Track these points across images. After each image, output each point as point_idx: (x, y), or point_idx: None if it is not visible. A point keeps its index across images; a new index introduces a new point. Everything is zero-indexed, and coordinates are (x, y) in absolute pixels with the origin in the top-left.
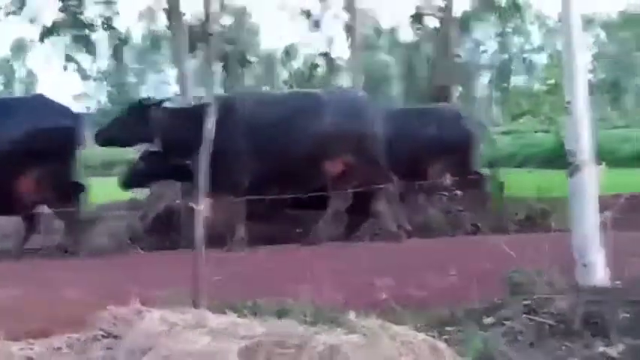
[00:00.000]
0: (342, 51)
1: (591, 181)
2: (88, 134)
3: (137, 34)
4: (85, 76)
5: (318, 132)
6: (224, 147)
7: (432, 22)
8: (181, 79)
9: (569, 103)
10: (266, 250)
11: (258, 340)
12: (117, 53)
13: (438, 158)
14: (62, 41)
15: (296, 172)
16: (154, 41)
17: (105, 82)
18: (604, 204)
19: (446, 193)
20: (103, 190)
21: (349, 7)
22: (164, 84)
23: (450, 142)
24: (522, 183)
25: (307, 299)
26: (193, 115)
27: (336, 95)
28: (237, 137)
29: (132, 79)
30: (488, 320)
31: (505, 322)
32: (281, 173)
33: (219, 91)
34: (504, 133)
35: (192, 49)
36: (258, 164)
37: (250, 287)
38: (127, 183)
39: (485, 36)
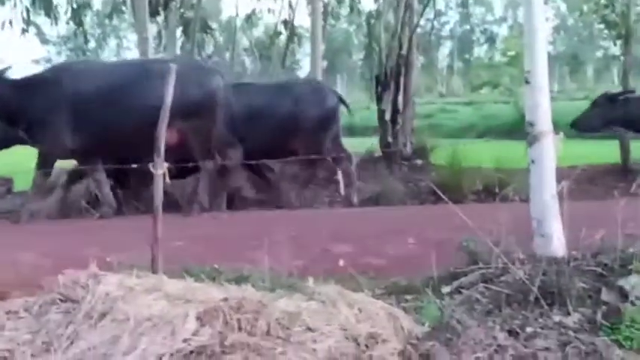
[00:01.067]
0: (303, 19)
1: (550, 151)
2: None
3: None
4: (44, 40)
5: (148, 101)
6: (47, 117)
7: None
8: (142, 45)
9: (528, 72)
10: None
11: (216, 305)
12: (77, 17)
13: (295, 134)
14: (22, 4)
15: (126, 142)
16: (114, 6)
17: (64, 47)
18: (561, 175)
19: (405, 163)
20: None
21: None
22: (125, 49)
23: (308, 118)
24: (481, 153)
25: (265, 265)
26: (20, 86)
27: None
28: (60, 107)
29: (92, 43)
30: (445, 289)
31: (462, 290)
32: (110, 144)
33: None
34: (465, 104)
35: (153, 14)
36: (85, 134)
37: (209, 252)
38: None
39: (447, 6)
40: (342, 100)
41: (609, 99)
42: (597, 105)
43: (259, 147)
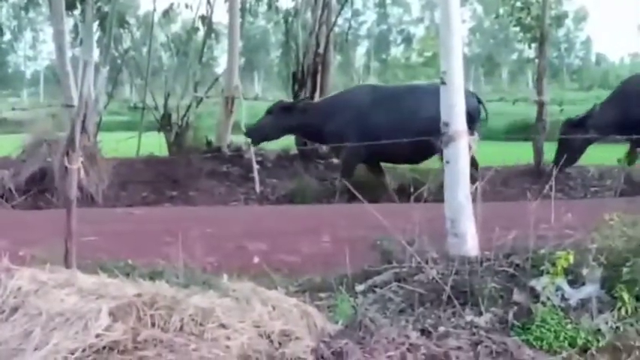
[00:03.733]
0: (221, 16)
1: (465, 151)
2: None
3: None
4: None
5: None
6: None
7: None
8: (58, 38)
9: (444, 73)
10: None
11: (129, 301)
12: None
13: None
14: None
15: None
16: None
17: None
18: (475, 175)
19: (321, 161)
20: None
21: None
22: (41, 42)
23: None
24: None
25: (180, 261)
26: None
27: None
28: None
29: (7, 36)
30: (359, 287)
31: (376, 289)
32: None
33: (95, 51)
34: None
35: (70, 7)
36: None
37: (123, 248)
38: None
39: (365, 6)
40: None
41: (284, 107)
42: (271, 113)
43: None
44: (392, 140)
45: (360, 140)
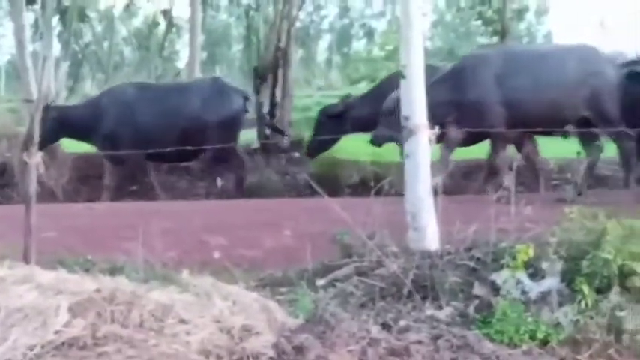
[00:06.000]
0: (183, 10)
1: (425, 145)
2: None
3: None
4: None
5: None
6: None
7: None
8: (18, 33)
9: (404, 66)
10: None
11: (89, 297)
12: None
13: None
14: None
15: None
16: None
17: None
18: (436, 169)
19: (283, 155)
20: None
21: None
22: (1, 37)
23: None
24: (357, 147)
25: (140, 256)
26: None
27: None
28: None
29: None
30: (320, 281)
31: (337, 283)
32: None
33: (56, 46)
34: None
35: (30, 1)
36: None
37: (83, 243)
38: None
39: (327, 0)
40: None
41: (52, 110)
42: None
43: None
44: (159, 140)
45: (129, 140)
